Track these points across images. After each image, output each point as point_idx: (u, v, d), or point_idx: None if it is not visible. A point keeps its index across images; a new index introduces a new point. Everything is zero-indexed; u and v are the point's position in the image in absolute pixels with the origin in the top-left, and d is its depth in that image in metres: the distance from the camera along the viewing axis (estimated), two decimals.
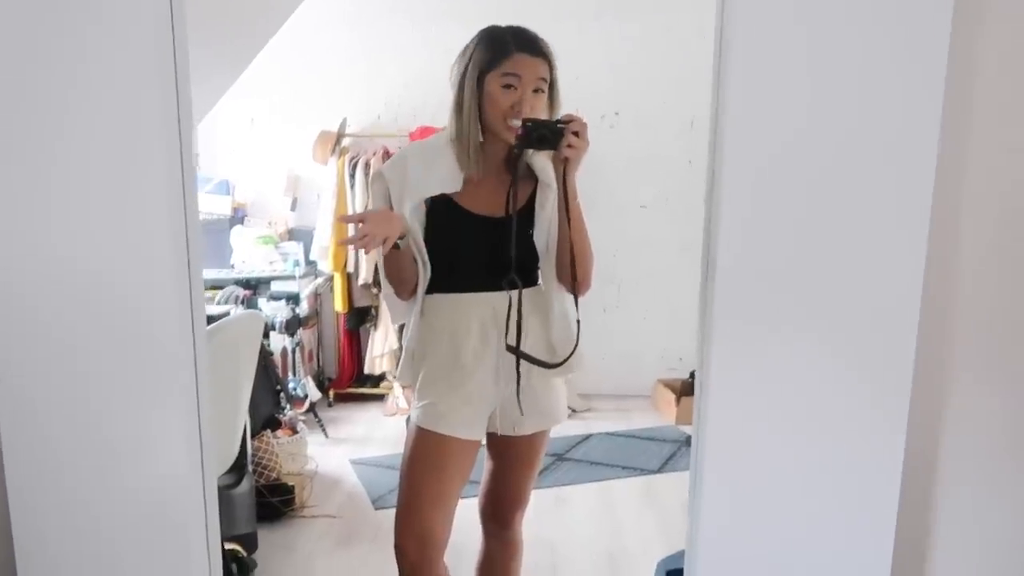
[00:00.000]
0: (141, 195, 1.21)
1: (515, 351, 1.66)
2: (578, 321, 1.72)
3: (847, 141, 1.22)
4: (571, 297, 1.71)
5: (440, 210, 1.71)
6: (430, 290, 1.73)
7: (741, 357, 1.28)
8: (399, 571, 1.73)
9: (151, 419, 1.25)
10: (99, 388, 1.24)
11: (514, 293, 1.64)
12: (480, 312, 1.70)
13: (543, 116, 1.66)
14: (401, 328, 1.76)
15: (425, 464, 1.71)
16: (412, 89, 4.68)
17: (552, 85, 1.68)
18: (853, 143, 1.22)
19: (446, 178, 1.69)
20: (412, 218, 1.69)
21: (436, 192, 1.69)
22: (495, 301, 1.69)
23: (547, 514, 3.22)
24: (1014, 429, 1.36)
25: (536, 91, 1.63)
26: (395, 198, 1.72)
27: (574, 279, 1.65)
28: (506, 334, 1.66)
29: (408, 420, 1.81)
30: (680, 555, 1.54)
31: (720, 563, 1.34)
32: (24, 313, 1.24)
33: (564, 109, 1.69)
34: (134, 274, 1.22)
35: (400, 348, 4.58)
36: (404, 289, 1.75)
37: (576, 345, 1.71)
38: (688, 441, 4.10)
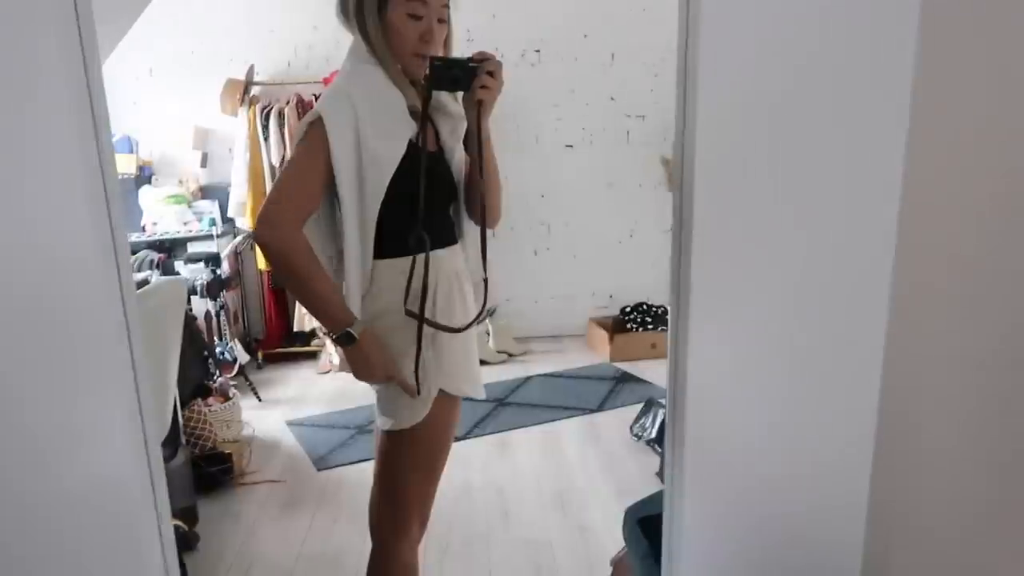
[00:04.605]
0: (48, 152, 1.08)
1: (420, 320, 1.49)
2: (485, 280, 1.60)
3: (820, 52, 1.14)
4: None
5: (412, 154, 1.50)
6: (417, 250, 1.51)
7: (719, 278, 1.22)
8: (396, 540, 1.63)
9: (85, 404, 1.15)
10: (28, 370, 1.13)
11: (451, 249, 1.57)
12: (455, 265, 1.59)
13: (443, 51, 1.51)
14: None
15: (450, 431, 1.62)
16: (323, 31, 4.45)
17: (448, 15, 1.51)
18: (825, 53, 1.14)
19: (405, 118, 1.49)
20: (380, 162, 1.47)
21: (412, 134, 1.48)
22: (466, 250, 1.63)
23: (493, 459, 3.23)
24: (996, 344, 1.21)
25: (440, 21, 1.47)
26: (340, 147, 1.45)
27: (484, 222, 1.55)
28: (422, 291, 1.47)
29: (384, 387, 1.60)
30: (647, 501, 1.54)
31: (703, 487, 1.29)
32: None
33: (480, 48, 1.50)
34: (53, 247, 1.10)
35: None
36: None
37: (484, 305, 1.62)
38: (623, 378, 4.18)
